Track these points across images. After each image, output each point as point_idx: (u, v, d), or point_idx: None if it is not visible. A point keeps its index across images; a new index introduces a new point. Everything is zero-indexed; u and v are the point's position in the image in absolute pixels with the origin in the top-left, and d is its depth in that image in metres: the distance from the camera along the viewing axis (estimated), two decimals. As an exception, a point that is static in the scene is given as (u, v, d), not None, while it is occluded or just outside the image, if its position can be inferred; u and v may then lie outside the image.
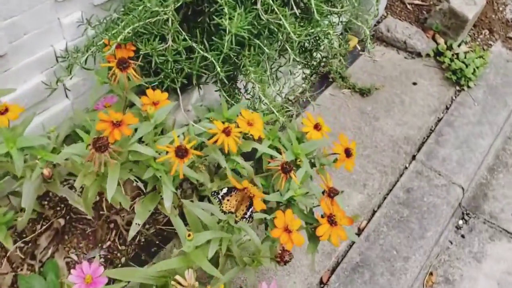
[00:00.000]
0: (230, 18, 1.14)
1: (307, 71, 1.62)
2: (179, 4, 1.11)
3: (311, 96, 1.71)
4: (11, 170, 1.15)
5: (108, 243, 1.48)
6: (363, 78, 2.23)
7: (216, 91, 1.43)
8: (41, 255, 1.42)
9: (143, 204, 1.22)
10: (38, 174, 1.13)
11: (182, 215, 1.19)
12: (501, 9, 2.67)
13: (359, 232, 1.71)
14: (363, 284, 1.56)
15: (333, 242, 1.12)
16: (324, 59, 1.56)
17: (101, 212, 1.51)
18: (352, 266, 1.61)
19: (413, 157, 1.98)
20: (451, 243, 1.83)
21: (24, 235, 1.43)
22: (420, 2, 2.57)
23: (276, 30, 1.29)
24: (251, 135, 1.23)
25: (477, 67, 2.23)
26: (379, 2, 1.49)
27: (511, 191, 2.01)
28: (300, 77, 1.68)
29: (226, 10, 1.11)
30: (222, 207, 1.02)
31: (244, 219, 1.02)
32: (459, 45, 2.35)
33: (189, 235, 0.98)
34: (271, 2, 1.16)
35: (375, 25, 2.42)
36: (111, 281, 1.10)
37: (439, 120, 2.15)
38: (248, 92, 1.51)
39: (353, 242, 1.66)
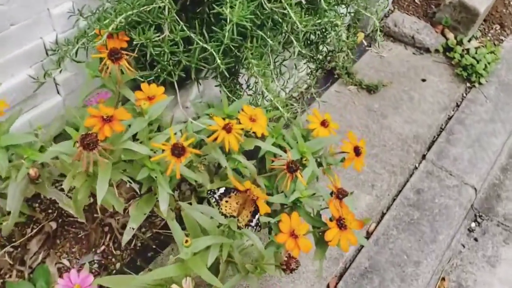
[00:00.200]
0: (231, 7, 1.05)
1: (313, 66, 1.54)
2: (176, -9, 1.03)
3: (316, 92, 1.63)
4: (-4, 171, 1.07)
5: (102, 247, 1.40)
6: (370, 74, 2.14)
7: (216, 86, 1.35)
8: (31, 261, 1.34)
9: (138, 206, 1.14)
10: (24, 175, 1.04)
11: (180, 219, 1.10)
12: None
13: (368, 235, 1.63)
14: (372, 291, 1.48)
15: (342, 248, 1.03)
16: (330, 53, 1.47)
17: (94, 215, 1.43)
18: (360, 272, 1.52)
19: (423, 157, 1.90)
20: (464, 246, 1.74)
21: (13, 239, 1.35)
22: (428, -4, 2.49)
23: (280, 20, 1.20)
24: (253, 132, 1.14)
25: (489, 63, 2.14)
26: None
27: (525, 192, 1.92)
28: (305, 72, 1.59)
29: (227, -3, 1.03)
30: (221, 209, 0.93)
31: (250, 227, 0.94)
32: (469, 40, 2.26)
33: (186, 241, 0.90)
34: (274, -11, 1.08)
35: (381, 20, 2.33)
36: (104, 289, 1.02)
37: (450, 118, 2.06)
38: (250, 88, 1.43)
39: (362, 246, 1.58)
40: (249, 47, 1.20)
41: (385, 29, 2.33)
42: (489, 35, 2.40)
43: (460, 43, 2.25)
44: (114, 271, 1.36)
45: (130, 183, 1.04)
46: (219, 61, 1.06)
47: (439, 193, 1.78)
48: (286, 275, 1.40)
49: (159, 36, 1.04)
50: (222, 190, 0.95)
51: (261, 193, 0.95)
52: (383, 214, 1.70)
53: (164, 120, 1.23)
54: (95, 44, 0.98)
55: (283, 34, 1.27)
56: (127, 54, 0.98)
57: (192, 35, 1.09)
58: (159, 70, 1.11)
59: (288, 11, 1.10)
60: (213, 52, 1.07)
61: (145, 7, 1.02)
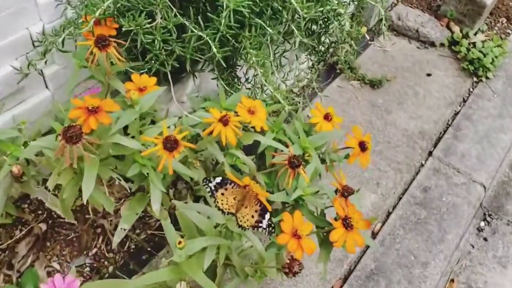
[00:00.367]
0: (228, -7, 0.98)
1: (314, 58, 1.47)
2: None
3: (317, 87, 1.55)
4: (-23, 168, 1.00)
5: (94, 250, 1.33)
6: (373, 69, 2.07)
7: (213, 79, 1.27)
8: (19, 264, 1.27)
9: (130, 206, 1.07)
10: (7, 172, 0.97)
11: (176, 220, 1.03)
12: (518, -4, 2.51)
13: (373, 235, 1.55)
14: (378, 294, 1.41)
15: (348, 249, 0.96)
16: (333, 44, 1.40)
17: (86, 216, 1.36)
18: (366, 274, 1.45)
19: (430, 153, 1.82)
20: (473, 246, 1.67)
21: (0, 242, 1.28)
22: (432, -12, 2.42)
23: (280, 8, 1.14)
24: (252, 127, 1.07)
25: (496, 57, 2.07)
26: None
27: (536, 190, 1.85)
28: (306, 65, 1.52)
29: (223, -18, 0.96)
30: (217, 202, 0.85)
31: (262, 229, 0.84)
32: (475, 34, 2.18)
33: (179, 242, 0.82)
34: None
35: (381, 20, 2.26)
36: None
37: (456, 113, 1.99)
38: (249, 81, 1.36)
39: (367, 247, 1.50)
40: (247, 36, 1.12)
41: (388, 23, 2.25)
42: (496, 28, 2.33)
43: (466, 36, 2.17)
44: (107, 275, 1.29)
45: (120, 180, 0.97)
46: (215, 50, 0.99)
47: (447, 191, 1.71)
48: (289, 279, 1.33)
49: (150, 23, 0.97)
50: (218, 179, 0.86)
51: (261, 190, 0.88)
52: (389, 213, 1.62)
53: (158, 116, 1.16)
54: (81, 31, 0.91)
55: (284, 24, 1.20)
56: (116, 42, 0.91)
57: (186, 22, 1.02)
58: (152, 61, 1.04)
59: (288, -4, 1.03)
60: (209, 40, 1.00)
61: (135, -9, 0.95)
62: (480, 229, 1.72)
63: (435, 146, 1.85)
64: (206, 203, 1.11)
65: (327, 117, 1.18)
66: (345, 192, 1.01)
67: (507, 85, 2.11)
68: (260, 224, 0.85)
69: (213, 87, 1.41)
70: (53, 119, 1.15)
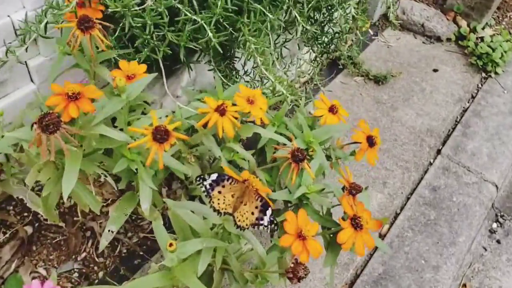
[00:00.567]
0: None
1: (317, 50, 1.38)
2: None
3: (320, 82, 1.47)
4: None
5: (83, 254, 1.24)
6: (377, 65, 1.98)
7: (209, 70, 1.19)
8: (2, 270, 1.18)
9: (119, 206, 0.98)
10: (-17, 169, 0.89)
11: (170, 222, 0.94)
12: (525, -9, 2.43)
13: (381, 238, 1.46)
14: (388, 300, 1.32)
15: (357, 251, 0.87)
16: (337, 34, 1.32)
17: (75, 218, 1.27)
18: (373, 279, 1.36)
19: (438, 151, 1.74)
20: (485, 249, 1.58)
21: (-18, 247, 1.20)
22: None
23: (281, -8, 1.06)
24: (251, 121, 0.99)
25: (505, 52, 1.98)
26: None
27: (550, 189, 1.76)
28: (308, 58, 1.44)
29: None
30: (213, 202, 0.76)
31: (263, 227, 0.75)
32: (483, 28, 2.11)
33: (170, 245, 0.73)
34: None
35: (388, 8, 2.18)
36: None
37: (465, 110, 1.90)
38: (248, 73, 1.27)
39: (375, 250, 1.41)
40: (246, 22, 1.04)
41: (394, 13, 2.17)
42: (503, 23, 2.25)
43: (473, 31, 2.09)
44: (97, 281, 1.20)
45: (106, 176, 0.88)
46: (210, 35, 0.91)
47: (457, 190, 1.62)
48: (293, 285, 1.24)
49: (140, 5, 0.89)
50: (214, 176, 0.77)
51: (262, 185, 0.79)
52: (397, 214, 1.53)
53: (151, 108, 1.07)
54: (62, 12, 0.83)
55: (284, 9, 1.12)
56: (101, 24, 0.83)
57: (180, 5, 0.93)
58: (140, 46, 0.95)
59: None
60: (204, 24, 0.91)
61: (123, -29, 0.86)
62: (492, 231, 1.63)
63: (443, 144, 1.77)
64: (202, 202, 1.02)
65: (332, 109, 1.09)
66: (353, 190, 0.92)
67: (517, 80, 2.03)
68: (261, 222, 0.75)
69: (209, 80, 1.33)
70: (37, 111, 1.07)
